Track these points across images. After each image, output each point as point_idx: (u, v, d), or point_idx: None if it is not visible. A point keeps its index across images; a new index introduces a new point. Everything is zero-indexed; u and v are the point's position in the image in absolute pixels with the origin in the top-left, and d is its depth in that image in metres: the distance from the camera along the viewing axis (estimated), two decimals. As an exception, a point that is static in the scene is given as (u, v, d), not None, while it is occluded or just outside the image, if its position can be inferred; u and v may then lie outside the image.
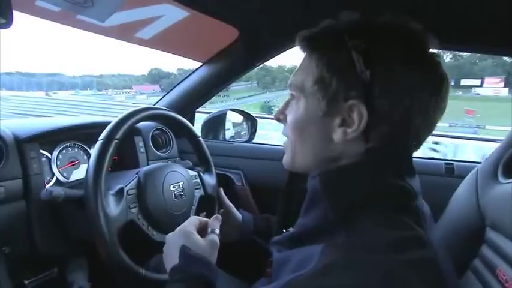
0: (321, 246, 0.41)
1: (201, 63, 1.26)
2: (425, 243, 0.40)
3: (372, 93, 0.43)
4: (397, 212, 0.43)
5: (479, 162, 0.85)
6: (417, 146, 0.49)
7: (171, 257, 0.59)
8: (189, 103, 1.33)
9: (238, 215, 0.88)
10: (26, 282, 0.85)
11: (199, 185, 0.90)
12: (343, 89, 0.45)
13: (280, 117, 0.56)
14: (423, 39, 0.46)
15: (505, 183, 0.71)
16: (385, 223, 0.41)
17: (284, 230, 0.59)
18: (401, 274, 0.36)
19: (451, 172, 1.07)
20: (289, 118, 0.53)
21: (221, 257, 0.63)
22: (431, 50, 0.47)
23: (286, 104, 0.55)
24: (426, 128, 0.47)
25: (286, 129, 0.54)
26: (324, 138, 0.48)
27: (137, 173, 0.78)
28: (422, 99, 0.44)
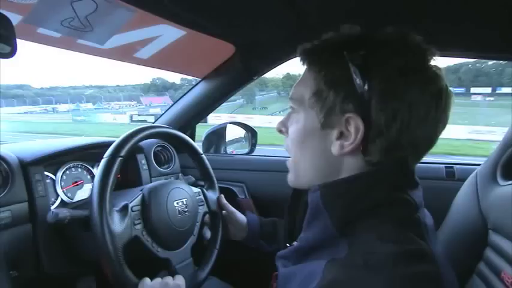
0: (323, 263, 0.42)
1: (200, 79, 1.28)
2: (427, 257, 0.40)
3: (369, 107, 0.43)
4: (398, 224, 0.43)
5: (479, 165, 0.86)
6: (417, 159, 0.49)
7: None
8: (190, 119, 1.35)
9: (243, 217, 0.92)
10: None
11: (202, 201, 0.90)
12: (340, 102, 0.45)
13: (282, 129, 0.57)
14: (423, 52, 0.45)
15: (504, 186, 0.71)
16: (387, 236, 0.41)
17: (288, 244, 0.60)
18: None
19: (452, 176, 1.07)
20: (290, 130, 0.54)
21: (227, 268, 0.64)
22: (432, 62, 0.46)
23: (288, 116, 0.56)
24: (426, 141, 0.47)
25: (287, 142, 0.55)
26: (323, 151, 0.49)
27: (141, 190, 0.79)
28: (421, 112, 0.43)
